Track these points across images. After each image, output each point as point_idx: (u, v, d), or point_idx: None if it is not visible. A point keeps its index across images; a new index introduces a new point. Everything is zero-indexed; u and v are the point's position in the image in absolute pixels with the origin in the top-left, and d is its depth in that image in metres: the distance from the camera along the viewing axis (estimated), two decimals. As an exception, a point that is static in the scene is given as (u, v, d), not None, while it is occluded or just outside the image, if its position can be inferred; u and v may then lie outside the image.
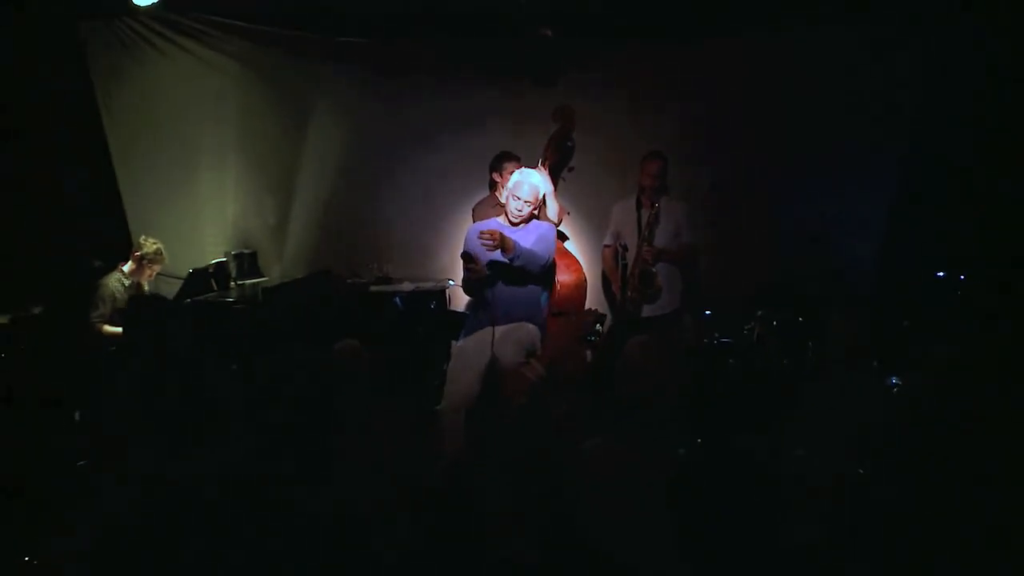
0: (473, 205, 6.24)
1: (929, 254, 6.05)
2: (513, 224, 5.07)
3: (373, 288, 6.46)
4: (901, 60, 6.15)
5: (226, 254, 6.69)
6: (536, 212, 5.16)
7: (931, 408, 3.86)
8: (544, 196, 5.43)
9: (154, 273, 6.19)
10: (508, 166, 5.94)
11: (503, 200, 5.30)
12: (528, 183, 5.00)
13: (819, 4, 6.19)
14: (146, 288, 6.16)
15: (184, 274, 6.25)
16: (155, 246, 6.11)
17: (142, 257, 6.07)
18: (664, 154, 5.84)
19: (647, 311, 5.77)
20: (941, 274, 5.91)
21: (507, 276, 5.00)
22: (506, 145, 6.24)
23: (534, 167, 5.63)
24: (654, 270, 5.72)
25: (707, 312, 6.00)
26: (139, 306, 5.00)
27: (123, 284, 6.04)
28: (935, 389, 3.99)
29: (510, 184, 5.08)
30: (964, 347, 4.13)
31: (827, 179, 6.35)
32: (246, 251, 6.78)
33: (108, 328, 5.87)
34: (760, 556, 3.23)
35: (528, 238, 5.05)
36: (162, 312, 4.57)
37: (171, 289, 6.28)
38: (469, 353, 4.94)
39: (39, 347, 5.39)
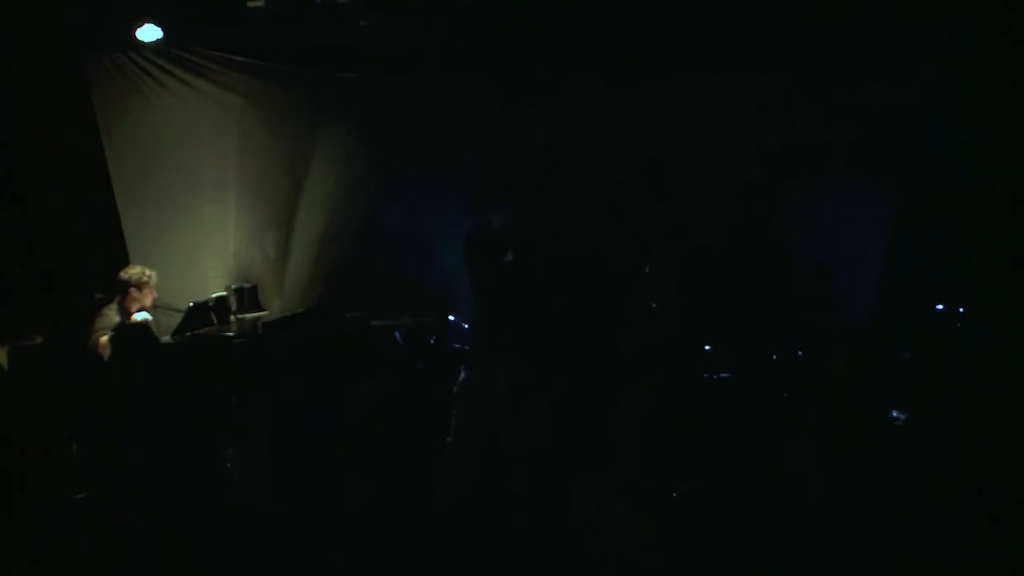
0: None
1: (928, 287, 6.11)
2: None
3: (374, 323, 6.45)
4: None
5: (226, 287, 6.69)
6: None
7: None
8: None
9: (143, 298, 6.07)
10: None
11: None
12: None
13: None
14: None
15: (184, 307, 6.22)
16: (136, 269, 6.01)
17: (126, 283, 5.97)
18: (665, 190, 5.91)
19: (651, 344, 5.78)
20: (940, 307, 5.96)
21: None
22: (497, 179, 6.32)
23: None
24: (654, 305, 5.74)
25: (707, 347, 6.02)
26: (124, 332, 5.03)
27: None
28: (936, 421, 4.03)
29: None
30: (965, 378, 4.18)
31: (827, 213, 6.42)
32: (246, 285, 6.78)
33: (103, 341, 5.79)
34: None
35: None
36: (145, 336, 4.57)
37: (171, 322, 6.25)
38: (472, 386, 4.95)
39: (40, 377, 5.35)
